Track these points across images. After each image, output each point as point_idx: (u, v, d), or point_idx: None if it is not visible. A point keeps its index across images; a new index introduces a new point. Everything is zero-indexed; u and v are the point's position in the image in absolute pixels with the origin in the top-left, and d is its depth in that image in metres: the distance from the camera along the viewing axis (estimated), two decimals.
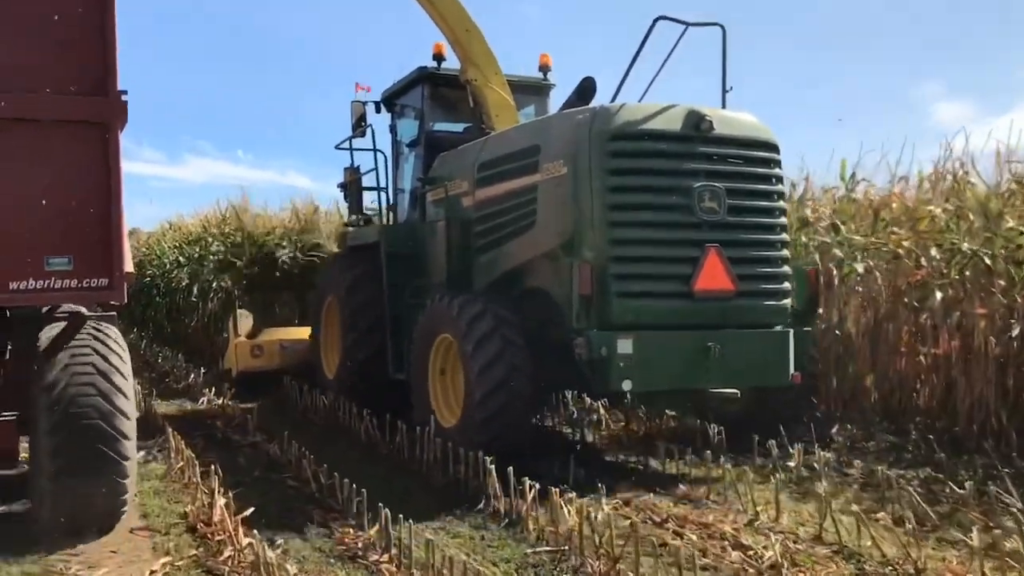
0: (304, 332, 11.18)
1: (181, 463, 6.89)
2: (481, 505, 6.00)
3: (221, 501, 5.41)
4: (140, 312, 20.87)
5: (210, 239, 15.87)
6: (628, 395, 7.35)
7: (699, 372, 6.77)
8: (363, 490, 5.57)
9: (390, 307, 9.10)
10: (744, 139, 7.13)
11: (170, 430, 7.91)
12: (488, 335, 6.96)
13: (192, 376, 11.82)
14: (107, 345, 5.47)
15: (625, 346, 6.55)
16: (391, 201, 10.46)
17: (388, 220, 10.40)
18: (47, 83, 4.80)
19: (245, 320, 11.94)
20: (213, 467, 6.17)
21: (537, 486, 5.64)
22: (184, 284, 16.35)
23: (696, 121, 6.88)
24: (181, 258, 17.40)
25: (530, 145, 7.52)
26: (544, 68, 10.25)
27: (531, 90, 10.18)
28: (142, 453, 7.41)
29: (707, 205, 6.80)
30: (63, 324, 5.50)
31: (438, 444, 7.03)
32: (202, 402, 10.64)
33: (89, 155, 4.90)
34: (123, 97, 4.94)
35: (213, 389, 10.83)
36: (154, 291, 19.63)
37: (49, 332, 5.52)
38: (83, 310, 5.57)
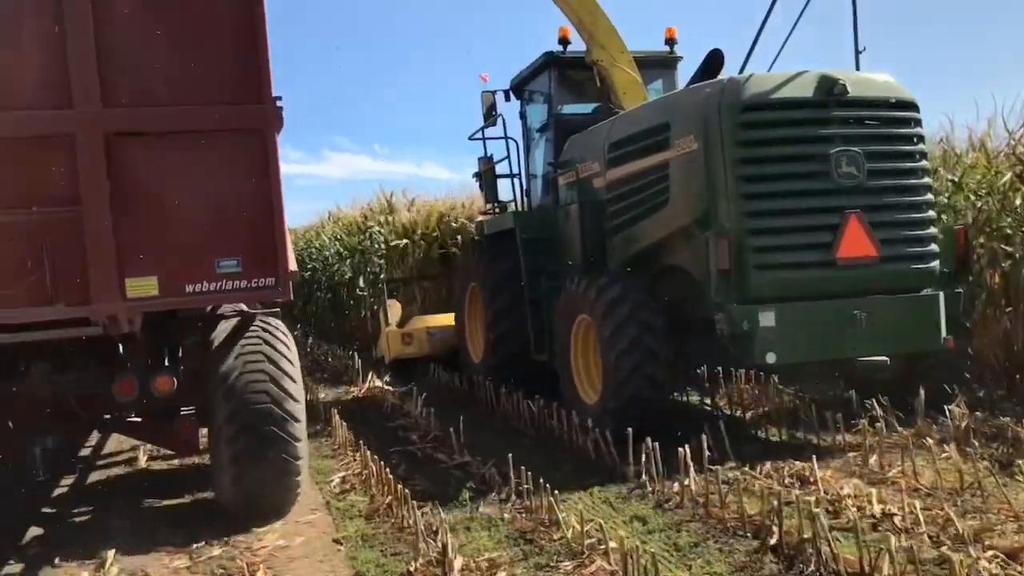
0: (450, 319, 11.50)
1: (341, 440, 7.41)
2: (619, 476, 6.18)
3: (374, 467, 6.05)
4: (301, 307, 20.33)
5: (376, 227, 15.47)
6: (773, 367, 7.29)
7: (845, 341, 6.66)
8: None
9: (529, 291, 9.26)
10: (881, 100, 6.93)
11: (334, 412, 8.38)
12: (625, 321, 7.05)
13: (351, 364, 12.35)
14: (275, 336, 5.85)
15: (767, 319, 6.50)
16: (525, 187, 10.65)
17: (522, 206, 10.59)
18: (207, 95, 5.15)
19: (395, 309, 12.39)
20: (362, 442, 6.61)
21: (684, 452, 5.74)
22: (347, 277, 16.01)
23: (829, 86, 6.74)
24: (343, 250, 17.01)
25: (660, 122, 7.52)
26: (670, 41, 10.20)
27: (658, 64, 10.14)
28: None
29: (845, 170, 6.67)
30: (233, 321, 5.92)
31: (578, 418, 7.28)
32: (361, 389, 11.09)
33: (250, 160, 5.24)
34: (278, 103, 5.25)
35: (371, 375, 11.29)
36: (315, 286, 19.22)
37: (221, 329, 5.94)
38: (242, 306, 5.99)
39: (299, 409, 5.67)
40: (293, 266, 5.49)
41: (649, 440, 6.01)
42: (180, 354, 6.32)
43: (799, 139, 6.73)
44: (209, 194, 5.19)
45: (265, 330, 5.85)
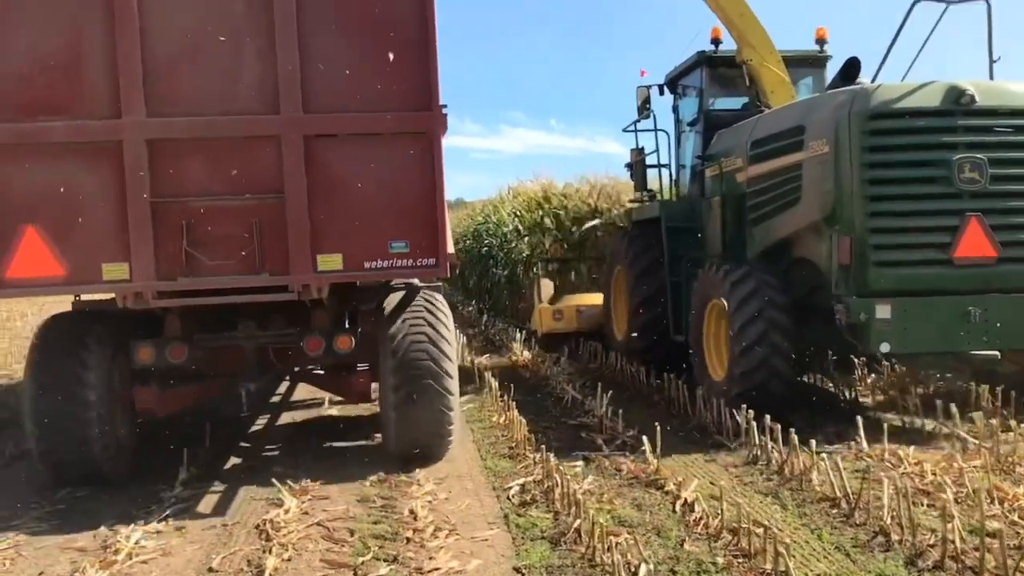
0: (597, 298, 12.27)
1: (518, 438, 7.38)
2: (734, 447, 6.84)
3: (559, 478, 5.82)
4: (476, 282, 20.04)
5: (556, 203, 15.64)
6: (888, 355, 7.72)
7: (958, 335, 7.04)
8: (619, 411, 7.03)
9: (670, 276, 9.93)
10: (1010, 108, 7.20)
11: (488, 375, 9.49)
12: (749, 296, 7.65)
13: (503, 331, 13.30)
14: (435, 305, 6.83)
15: (883, 311, 6.98)
16: (674, 177, 11.28)
17: (672, 196, 11.22)
18: (387, 103, 6.10)
19: (547, 288, 13.26)
20: (543, 445, 6.94)
21: (768, 421, 6.37)
22: (524, 255, 15.30)
23: (956, 95, 7.09)
24: (520, 227, 16.16)
25: (796, 125, 8.02)
26: (820, 40, 10.53)
27: (807, 63, 10.51)
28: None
29: (967, 176, 7.02)
30: (401, 292, 6.93)
31: (705, 396, 7.92)
32: (515, 356, 12.22)
33: (419, 158, 6.15)
34: (444, 110, 6.16)
35: (526, 345, 12.38)
36: (491, 262, 18.24)
37: (391, 298, 6.95)
38: (416, 281, 6.99)
39: (452, 367, 6.62)
40: (451, 248, 6.39)
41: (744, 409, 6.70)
42: (357, 318, 7.39)
43: (923, 146, 7.11)
44: (385, 185, 6.14)
45: (427, 300, 6.83)
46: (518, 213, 16.75)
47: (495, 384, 9.16)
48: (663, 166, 11.29)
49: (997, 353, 7.15)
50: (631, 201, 12.39)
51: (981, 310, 6.99)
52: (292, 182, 5.92)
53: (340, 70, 5.96)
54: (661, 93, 11.37)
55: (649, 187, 11.61)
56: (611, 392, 8.26)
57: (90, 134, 5.73)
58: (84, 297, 6.90)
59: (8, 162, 5.66)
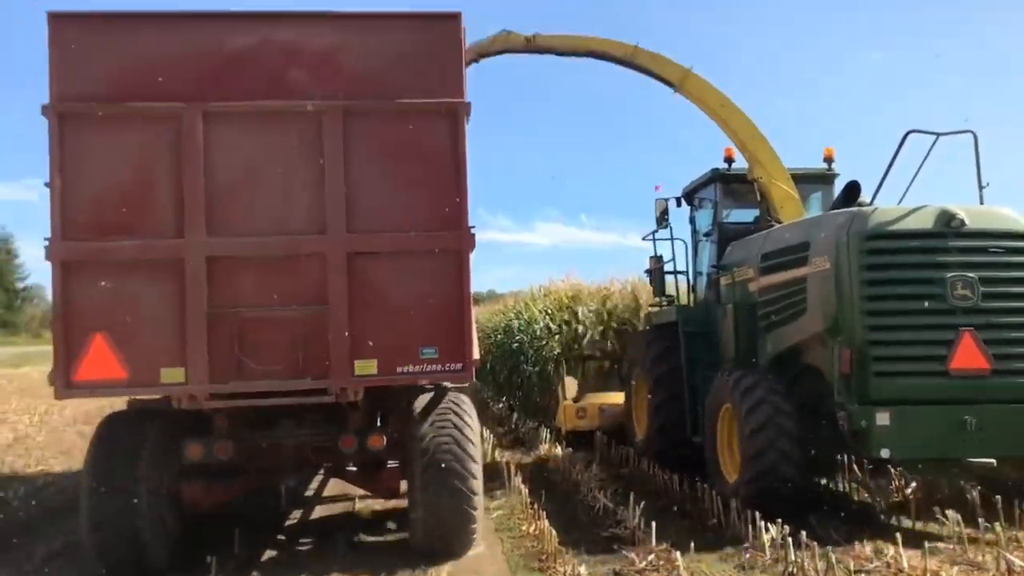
0: (619, 397, 12.73)
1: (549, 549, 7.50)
2: (769, 563, 7.02)
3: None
4: (507, 378, 20.03)
5: (588, 307, 16.13)
6: (889, 460, 8.10)
7: (955, 443, 7.44)
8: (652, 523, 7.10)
9: (688, 378, 10.40)
10: (998, 231, 7.73)
11: (518, 479, 9.67)
12: (759, 403, 8.10)
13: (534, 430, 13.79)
14: (461, 407, 7.34)
15: (883, 419, 7.41)
16: (691, 284, 11.86)
17: (689, 301, 11.77)
18: (421, 224, 6.74)
19: (571, 385, 13.74)
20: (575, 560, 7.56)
21: (805, 537, 6.69)
22: (556, 353, 15.55)
23: (947, 219, 7.65)
24: (552, 325, 16.61)
25: (801, 241, 8.60)
26: (828, 159, 11.19)
27: (817, 179, 11.17)
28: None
29: (960, 293, 7.52)
30: (430, 394, 7.47)
31: (718, 496, 8.28)
32: (541, 451, 12.62)
33: (449, 273, 6.77)
34: (472, 231, 6.80)
35: (551, 441, 12.82)
36: (522, 357, 18.34)
37: (420, 400, 7.49)
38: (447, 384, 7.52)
39: (476, 468, 7.10)
40: (476, 355, 6.95)
41: (779, 523, 7.01)
42: (388, 418, 7.93)
43: (917, 264, 7.64)
44: (417, 297, 6.75)
45: (454, 402, 7.36)
46: (549, 311, 17.28)
47: (525, 490, 9.24)
48: (680, 273, 11.89)
49: (993, 460, 7.53)
50: (651, 305, 12.95)
51: (976, 419, 7.39)
52: (335, 294, 6.54)
53: (380, 195, 6.64)
54: (678, 205, 12.03)
55: (667, 292, 12.17)
56: (644, 502, 8.18)
57: (156, 252, 6.42)
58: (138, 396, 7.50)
59: (84, 276, 6.34)
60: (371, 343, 6.64)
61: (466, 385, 7.74)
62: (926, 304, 7.57)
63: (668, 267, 12.01)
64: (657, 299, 12.30)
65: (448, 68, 6.76)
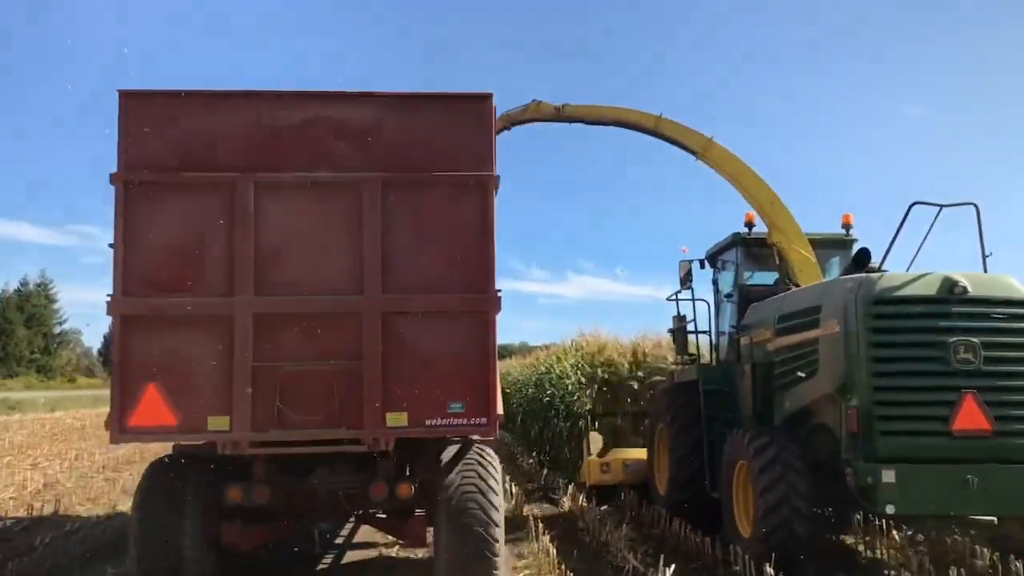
0: (642, 453, 13.09)
1: (544, 555, 8.38)
2: None
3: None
4: (538, 433, 19.96)
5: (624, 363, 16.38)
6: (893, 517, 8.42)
7: (958, 501, 7.76)
8: None
9: (707, 434, 10.78)
10: (999, 299, 8.11)
11: (541, 528, 9.92)
12: (771, 462, 8.46)
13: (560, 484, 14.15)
14: (485, 459, 7.77)
15: (888, 476, 7.75)
16: (714, 343, 12.29)
17: (712, 360, 12.19)
18: (451, 287, 7.27)
19: (596, 441, 14.13)
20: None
21: None
22: (587, 408, 15.58)
23: (950, 286, 8.05)
24: (583, 380, 16.58)
25: (814, 304, 9.03)
26: (847, 225, 11.65)
27: (835, 244, 11.63)
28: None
29: (962, 356, 7.89)
30: (456, 447, 7.92)
31: (737, 551, 8.59)
32: (566, 505, 12.91)
33: (476, 332, 7.25)
34: (498, 294, 7.31)
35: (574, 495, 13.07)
36: (552, 412, 18.23)
37: (447, 451, 7.95)
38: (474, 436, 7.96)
39: (499, 516, 7.51)
40: (500, 411, 7.42)
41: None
42: (417, 468, 8.38)
43: (921, 329, 8.03)
44: (446, 354, 7.24)
45: (479, 454, 7.80)
46: (580, 366, 17.30)
47: (552, 549, 9.16)
48: (702, 332, 12.33)
49: (995, 519, 7.84)
50: (674, 363, 13.36)
51: (979, 478, 7.71)
52: (369, 350, 7.06)
53: (414, 259, 7.18)
54: (702, 267, 12.53)
55: (690, 351, 12.59)
56: (674, 565, 8.28)
57: (207, 308, 6.98)
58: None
59: (141, 329, 6.92)
60: (402, 396, 7.13)
61: (490, 438, 8.22)
62: (930, 367, 7.95)
63: (691, 327, 12.45)
64: (679, 357, 12.72)
65: (479, 144, 7.34)
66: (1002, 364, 7.97)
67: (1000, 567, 7.92)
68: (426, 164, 7.29)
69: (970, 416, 7.84)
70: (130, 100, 7.11)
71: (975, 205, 8.56)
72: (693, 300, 12.14)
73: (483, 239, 7.26)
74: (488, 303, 7.23)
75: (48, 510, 12.87)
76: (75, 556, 9.52)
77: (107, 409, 7.03)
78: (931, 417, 7.91)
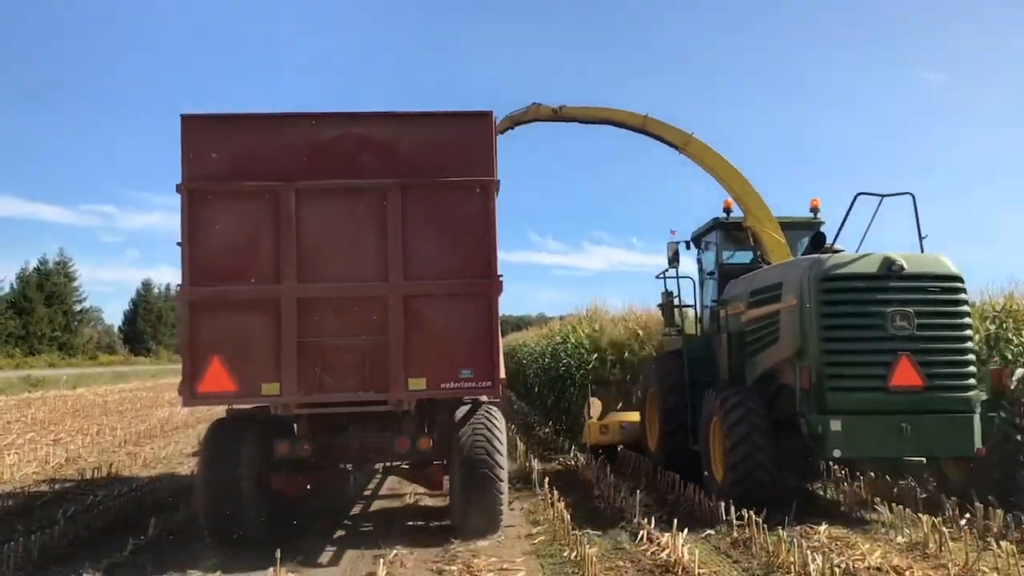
0: (635, 415, 14.57)
1: (560, 521, 9.22)
2: (723, 530, 8.92)
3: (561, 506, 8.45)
4: (554, 402, 20.59)
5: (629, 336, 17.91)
6: (840, 459, 9.84)
7: (893, 445, 9.18)
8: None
9: (690, 397, 12.23)
10: (931, 275, 9.50)
11: (561, 505, 10.21)
12: (739, 420, 9.88)
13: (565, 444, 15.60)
14: (492, 416, 9.27)
15: (835, 425, 9.18)
16: (698, 315, 13.73)
17: (697, 331, 13.63)
18: (459, 272, 8.71)
19: (596, 406, 15.59)
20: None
21: (760, 520, 8.48)
22: (589, 379, 16.69)
23: (889, 264, 9.42)
24: (587, 349, 17.95)
25: (777, 282, 10.44)
26: (814, 209, 13.03)
27: (804, 226, 13.00)
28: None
29: (898, 324, 9.28)
30: (467, 406, 9.40)
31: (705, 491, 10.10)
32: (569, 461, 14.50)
33: (482, 311, 8.71)
34: (500, 278, 8.74)
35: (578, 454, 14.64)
36: (568, 382, 19.11)
37: (460, 410, 9.42)
38: (483, 398, 9.43)
39: (503, 462, 9.00)
40: (503, 375, 8.87)
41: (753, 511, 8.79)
42: (435, 425, 9.87)
43: (863, 301, 9.42)
44: (457, 330, 8.69)
45: (486, 412, 9.30)
46: (591, 337, 18.67)
47: (567, 516, 9.34)
48: (688, 306, 13.78)
49: (924, 459, 9.27)
50: (663, 335, 14.81)
51: (911, 426, 9.12)
52: (393, 327, 8.52)
53: (429, 251, 8.63)
54: (688, 247, 13.92)
55: (677, 323, 14.03)
56: (687, 529, 8.50)
57: (259, 294, 8.46)
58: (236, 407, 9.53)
59: (206, 312, 8.40)
60: (421, 364, 8.60)
61: (497, 399, 9.69)
62: (871, 333, 9.36)
63: (678, 301, 13.90)
64: (667, 329, 14.16)
65: (482, 153, 8.77)
66: (932, 330, 9.36)
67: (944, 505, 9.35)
68: (438, 171, 8.72)
69: (904, 374, 9.24)
70: (189, 123, 8.56)
71: (912, 195, 9.95)
72: (677, 278, 13.58)
73: (486, 233, 8.70)
74: (491, 286, 8.68)
75: (70, 485, 13.23)
76: (97, 528, 9.89)
77: (127, 385, 8.87)
78: (871, 375, 9.32)
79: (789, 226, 12.64)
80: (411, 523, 10.14)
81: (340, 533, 9.70)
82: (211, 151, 8.54)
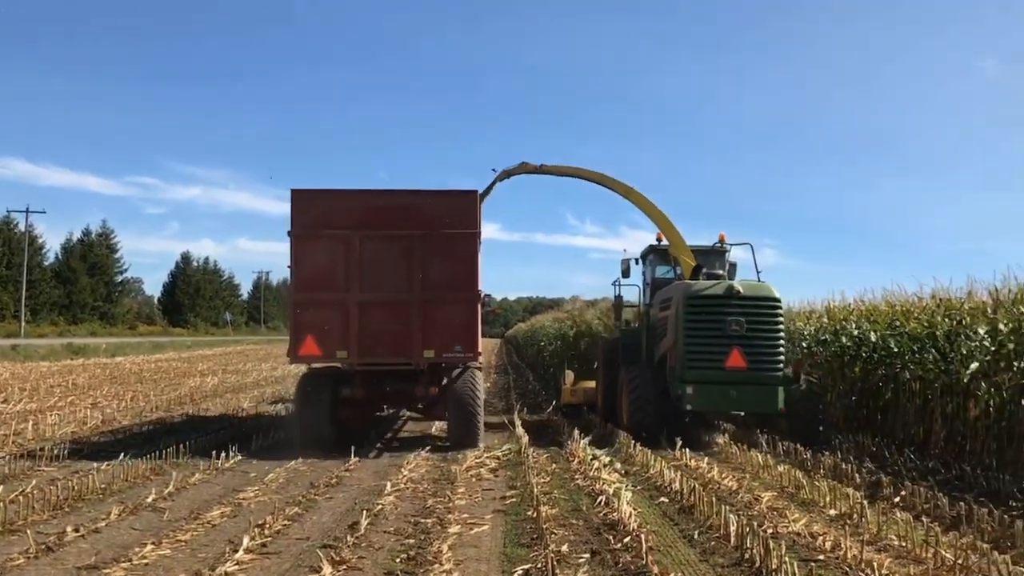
0: (593, 384, 20.99)
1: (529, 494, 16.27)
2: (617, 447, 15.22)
3: (525, 439, 15.09)
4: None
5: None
6: (691, 411, 16.17)
7: (726, 403, 15.50)
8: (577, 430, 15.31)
9: (624, 371, 18.56)
10: (758, 296, 15.67)
11: (520, 423, 17.91)
12: (635, 388, 16.22)
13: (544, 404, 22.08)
14: (475, 375, 15.64)
15: (690, 389, 15.47)
16: (643, 313, 20.12)
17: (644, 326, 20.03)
18: (455, 285, 15.12)
19: (569, 376, 22.05)
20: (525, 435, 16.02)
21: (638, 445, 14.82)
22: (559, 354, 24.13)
23: (730, 289, 15.63)
24: (603, 332, 25.19)
25: (669, 296, 16.73)
26: (721, 240, 19.17)
27: (714, 252, 19.14)
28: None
29: (734, 328, 15.43)
30: (459, 368, 15.86)
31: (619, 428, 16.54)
32: (544, 414, 20.94)
33: (468, 309, 15.14)
34: (482, 294, 15.19)
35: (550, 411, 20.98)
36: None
37: (455, 371, 15.85)
38: (472, 365, 15.88)
39: (481, 403, 15.35)
40: (480, 349, 15.27)
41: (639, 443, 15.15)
42: (439, 380, 16.21)
43: (713, 313, 15.61)
44: (452, 319, 15.05)
45: (471, 373, 15.63)
46: (600, 319, 24.96)
47: (535, 483, 10.94)
48: (632, 306, 20.18)
49: (743, 413, 15.67)
50: (614, 327, 21.20)
51: (736, 392, 15.35)
52: (415, 320, 14.93)
53: (438, 274, 15.03)
54: (637, 263, 20.17)
55: (623, 319, 20.41)
56: (596, 446, 14.95)
57: (335, 298, 14.91)
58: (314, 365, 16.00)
59: (304, 308, 14.88)
60: (431, 340, 15.02)
61: (479, 364, 16.10)
62: (715, 333, 15.63)
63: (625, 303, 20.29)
64: (616, 323, 20.55)
65: (470, 215, 15.14)
66: (756, 333, 15.52)
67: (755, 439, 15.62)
68: (443, 225, 15.10)
69: (735, 360, 15.44)
70: (297, 194, 15.04)
71: (750, 244, 16.31)
72: (619, 286, 19.95)
73: (472, 263, 15.12)
74: (475, 297, 15.08)
75: (104, 442, 15.28)
76: (126, 479, 11.37)
77: (163, 355, 18.60)
78: (714, 360, 15.50)
79: (701, 253, 18.83)
80: (420, 446, 16.61)
81: (379, 447, 16.17)
82: (309, 210, 15.03)
